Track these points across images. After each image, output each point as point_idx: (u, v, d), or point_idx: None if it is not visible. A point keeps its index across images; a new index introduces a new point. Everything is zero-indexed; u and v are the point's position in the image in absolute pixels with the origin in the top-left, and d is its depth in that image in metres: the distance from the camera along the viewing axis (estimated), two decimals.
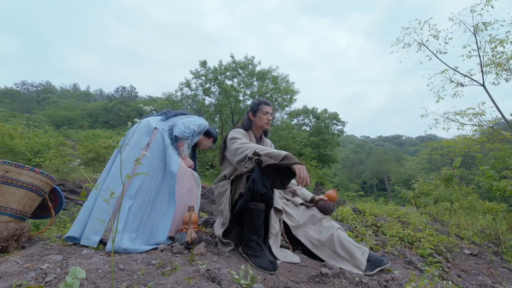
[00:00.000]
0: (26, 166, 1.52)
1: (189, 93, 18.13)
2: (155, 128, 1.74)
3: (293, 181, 2.04)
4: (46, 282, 0.94)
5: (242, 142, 1.66)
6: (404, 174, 30.63)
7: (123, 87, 51.95)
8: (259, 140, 1.97)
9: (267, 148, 1.53)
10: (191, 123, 1.80)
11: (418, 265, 2.02)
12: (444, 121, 6.89)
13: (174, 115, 1.91)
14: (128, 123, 0.78)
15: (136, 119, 0.77)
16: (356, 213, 3.45)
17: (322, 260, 1.62)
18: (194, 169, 1.89)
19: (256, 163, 1.42)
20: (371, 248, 2.29)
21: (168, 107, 16.12)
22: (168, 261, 1.20)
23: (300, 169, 1.37)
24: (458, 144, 6.34)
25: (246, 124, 1.95)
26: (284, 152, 1.45)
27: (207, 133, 2.07)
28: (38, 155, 10.00)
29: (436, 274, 1.93)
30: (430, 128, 7.10)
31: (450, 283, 1.81)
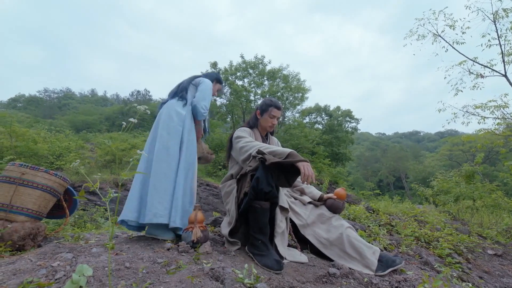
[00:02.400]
0: (41, 168, 1.58)
1: None
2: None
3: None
4: (56, 279, 0.97)
5: (247, 140, 1.65)
6: (423, 172, 29.51)
7: (138, 91, 53.75)
8: (264, 138, 1.96)
9: (271, 146, 1.52)
10: (205, 100, 1.88)
11: (435, 266, 1.93)
12: (463, 115, 6.56)
13: (186, 92, 1.95)
14: (123, 123, 0.80)
15: (131, 119, 0.78)
16: (370, 212, 3.35)
17: (331, 260, 1.58)
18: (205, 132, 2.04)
19: (260, 162, 1.41)
20: (385, 248, 2.21)
21: None
22: (173, 260, 1.21)
23: (305, 167, 1.34)
24: (480, 138, 6.01)
25: (252, 122, 1.94)
26: (288, 150, 1.43)
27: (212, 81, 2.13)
28: (60, 158, 10.50)
29: (455, 275, 1.84)
30: (448, 123, 6.78)
31: (470, 284, 1.72)
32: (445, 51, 6.77)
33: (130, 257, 1.19)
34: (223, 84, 2.21)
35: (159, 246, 1.38)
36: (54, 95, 56.82)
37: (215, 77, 2.18)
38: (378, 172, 39.30)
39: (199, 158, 1.96)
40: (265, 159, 1.38)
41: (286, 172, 1.43)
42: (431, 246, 2.52)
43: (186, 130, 1.78)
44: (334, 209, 1.78)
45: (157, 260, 1.18)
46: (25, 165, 1.55)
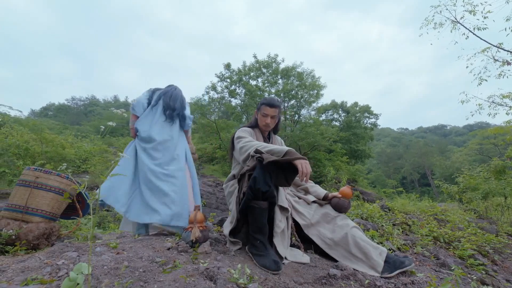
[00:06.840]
0: (53, 171, 1.68)
1: (216, 96, 18.59)
2: None
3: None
4: (58, 277, 1.02)
5: (246, 140, 1.64)
6: (450, 168, 27.82)
7: None
8: (266, 138, 1.94)
9: (270, 145, 1.50)
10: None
11: (453, 268, 1.81)
12: (489, 106, 6.07)
13: None
14: (101, 126, 0.82)
15: (109, 123, 0.80)
16: (385, 211, 3.21)
17: (336, 261, 1.53)
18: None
19: (258, 161, 1.40)
20: (398, 249, 2.11)
21: (197, 111, 16.56)
22: (172, 259, 1.23)
23: (302, 164, 1.31)
24: (510, 130, 5.53)
25: (253, 121, 1.93)
26: (286, 148, 1.40)
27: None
28: (85, 162, 11.11)
29: (474, 278, 1.71)
30: (472, 115, 6.25)
31: None
32: (466, 39, 6.28)
33: (131, 256, 1.23)
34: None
35: (160, 246, 1.41)
36: (81, 103, 60.29)
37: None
38: (401, 169, 37.65)
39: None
40: (263, 158, 1.36)
41: (284, 171, 1.41)
42: (452, 247, 2.37)
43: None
44: (339, 208, 1.72)
45: (155, 259, 1.21)
46: (39, 169, 1.66)
